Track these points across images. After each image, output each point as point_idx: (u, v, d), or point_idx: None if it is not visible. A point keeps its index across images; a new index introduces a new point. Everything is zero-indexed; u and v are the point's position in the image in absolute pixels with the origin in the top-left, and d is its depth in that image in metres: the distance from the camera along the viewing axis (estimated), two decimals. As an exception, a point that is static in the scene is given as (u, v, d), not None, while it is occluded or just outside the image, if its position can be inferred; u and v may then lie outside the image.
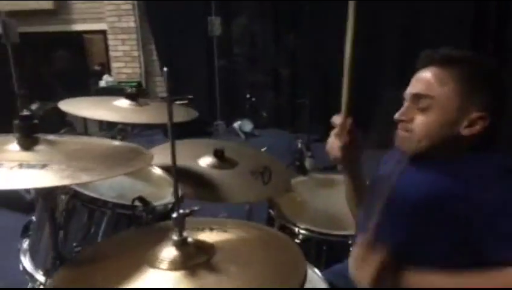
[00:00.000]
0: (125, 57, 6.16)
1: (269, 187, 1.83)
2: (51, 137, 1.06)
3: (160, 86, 6.24)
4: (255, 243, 0.96)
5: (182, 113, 1.87)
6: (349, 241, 1.66)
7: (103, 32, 6.25)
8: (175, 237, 0.91)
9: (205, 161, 1.86)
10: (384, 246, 1.06)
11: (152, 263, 0.89)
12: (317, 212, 1.91)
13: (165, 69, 0.84)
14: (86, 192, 1.28)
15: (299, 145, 1.93)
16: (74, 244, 1.23)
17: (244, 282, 0.84)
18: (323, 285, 1.36)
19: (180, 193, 1.52)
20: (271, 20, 5.72)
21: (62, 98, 1.71)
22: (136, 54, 6.13)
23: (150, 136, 5.37)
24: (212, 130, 5.16)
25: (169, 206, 1.38)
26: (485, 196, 1.04)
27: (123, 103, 1.74)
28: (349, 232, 1.67)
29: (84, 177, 0.89)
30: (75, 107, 1.64)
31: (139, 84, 6.08)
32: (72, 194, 1.28)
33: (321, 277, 1.40)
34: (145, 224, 1.23)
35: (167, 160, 1.82)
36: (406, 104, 1.22)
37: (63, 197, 1.29)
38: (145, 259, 0.91)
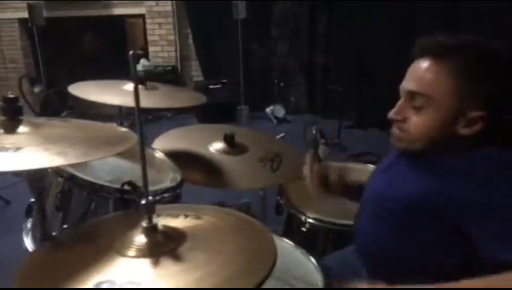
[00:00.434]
0: (161, 40, 6.23)
1: (278, 174, 1.81)
2: (37, 120, 1.08)
3: (196, 70, 6.28)
4: (227, 231, 0.94)
5: (191, 97, 1.85)
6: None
7: (142, 16, 6.34)
8: (144, 224, 0.90)
9: (215, 146, 1.85)
10: None
11: (121, 249, 0.89)
12: (327, 201, 1.86)
13: (131, 52, 0.82)
14: (80, 174, 1.30)
15: (314, 132, 1.87)
16: (64, 226, 1.25)
17: (209, 271, 0.82)
18: (318, 275, 1.32)
19: (179, 177, 1.53)
20: (308, 4, 5.61)
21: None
22: (172, 37, 6.18)
23: (182, 119, 5.44)
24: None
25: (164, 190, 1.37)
26: (477, 196, 0.97)
27: (131, 86, 1.74)
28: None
29: (57, 161, 0.90)
30: (83, 90, 1.66)
31: (175, 68, 6.14)
32: (67, 176, 1.30)
33: (317, 266, 1.36)
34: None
35: (173, 145, 1.85)
36: (400, 101, 1.15)
37: (59, 179, 1.32)
38: (115, 245, 0.90)
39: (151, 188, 1.37)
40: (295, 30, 5.78)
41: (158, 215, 1.01)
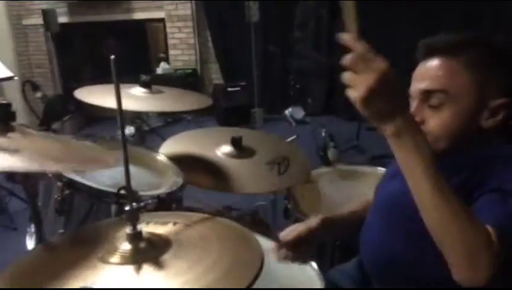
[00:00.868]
0: (181, 44, 6.27)
1: (284, 178, 1.77)
2: (27, 129, 1.08)
3: (215, 73, 6.29)
4: (213, 240, 0.92)
5: (197, 101, 1.84)
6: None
7: (162, 21, 6.41)
8: (128, 231, 0.89)
9: (223, 150, 1.84)
10: None
11: (106, 256, 0.88)
12: (336, 205, 1.82)
13: (112, 57, 0.81)
14: (79, 179, 1.30)
15: (323, 134, 1.84)
16: (61, 231, 1.26)
17: (187, 280, 0.80)
18: (319, 283, 1.29)
19: (180, 181, 1.52)
20: (328, 4, 5.54)
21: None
22: (192, 41, 6.21)
23: (202, 122, 5.46)
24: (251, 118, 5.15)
25: (162, 196, 1.36)
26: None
27: (137, 90, 1.75)
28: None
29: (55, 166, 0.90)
30: (88, 95, 1.67)
31: (194, 71, 6.18)
32: (66, 181, 1.30)
33: (318, 273, 1.33)
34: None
35: (181, 148, 1.84)
36: (414, 103, 1.07)
37: (59, 184, 1.32)
38: (101, 252, 0.89)
39: (148, 192, 1.37)
40: (315, 31, 5.73)
41: (148, 222, 1.01)
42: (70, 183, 1.31)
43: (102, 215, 1.31)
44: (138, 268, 0.83)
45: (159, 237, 0.92)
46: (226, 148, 1.84)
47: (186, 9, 6.13)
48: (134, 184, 1.41)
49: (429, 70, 1.05)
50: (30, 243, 1.42)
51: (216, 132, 2.10)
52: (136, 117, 1.97)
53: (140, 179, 1.50)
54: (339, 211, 1.75)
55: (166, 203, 1.37)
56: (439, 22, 4.53)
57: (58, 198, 1.30)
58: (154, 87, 1.78)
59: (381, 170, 1.94)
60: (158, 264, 0.84)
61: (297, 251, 1.29)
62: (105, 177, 1.45)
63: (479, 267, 0.79)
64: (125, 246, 0.88)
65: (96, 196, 1.33)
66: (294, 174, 1.80)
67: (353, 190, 1.91)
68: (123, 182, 1.44)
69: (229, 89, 5.61)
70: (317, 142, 2.53)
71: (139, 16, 6.46)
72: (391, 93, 0.83)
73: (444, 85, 1.02)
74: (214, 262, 0.85)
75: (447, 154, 1.05)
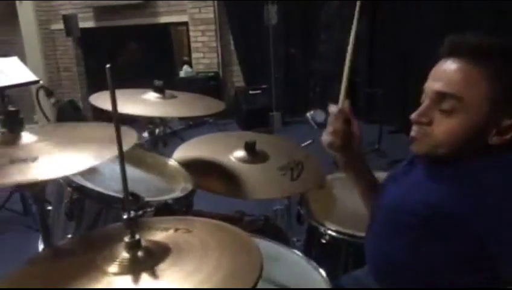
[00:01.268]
0: (204, 47, 6.31)
1: (297, 184, 1.75)
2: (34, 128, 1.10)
3: (237, 76, 6.31)
4: (213, 247, 0.90)
5: (209, 105, 1.84)
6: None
7: (185, 24, 6.46)
8: (126, 239, 0.88)
9: (236, 155, 1.83)
10: None
11: (104, 266, 0.88)
12: (349, 211, 1.79)
13: (108, 66, 0.81)
14: (88, 184, 1.31)
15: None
16: (69, 236, 1.27)
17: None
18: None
19: (190, 187, 1.51)
20: (349, 7, 5.48)
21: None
22: (214, 44, 6.24)
23: (223, 125, 5.48)
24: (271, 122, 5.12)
25: (170, 201, 1.36)
26: (499, 206, 0.89)
27: (150, 96, 1.76)
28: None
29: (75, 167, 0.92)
30: (102, 101, 1.68)
31: (216, 74, 6.20)
32: (75, 186, 1.32)
33: (326, 279, 1.31)
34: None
35: (194, 153, 1.84)
36: (425, 102, 1.05)
37: (68, 188, 1.34)
38: (99, 261, 0.89)
39: (155, 198, 1.37)
40: (339, 33, 5.67)
41: (149, 228, 1.01)
42: (80, 189, 1.32)
43: (111, 221, 1.32)
44: (136, 278, 0.83)
45: (158, 244, 0.91)
46: (240, 153, 1.83)
47: (209, 13, 6.17)
48: (142, 189, 1.43)
49: (447, 72, 1.01)
50: (41, 248, 1.43)
51: (231, 137, 2.09)
52: (149, 122, 1.98)
53: (150, 185, 1.50)
54: (352, 218, 1.73)
55: (174, 209, 1.37)
56: (463, 24, 4.40)
57: (68, 203, 1.32)
58: (167, 92, 1.78)
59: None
60: (155, 273, 0.83)
61: (345, 136, 1.21)
62: (113, 181, 1.46)
63: None
64: (124, 255, 0.88)
65: (105, 201, 1.34)
66: (308, 179, 1.77)
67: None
68: (133, 186, 1.45)
69: (251, 92, 5.62)
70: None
71: (163, 19, 6.54)
72: None
73: (458, 91, 0.98)
74: (211, 271, 0.83)
75: (444, 161, 1.03)
